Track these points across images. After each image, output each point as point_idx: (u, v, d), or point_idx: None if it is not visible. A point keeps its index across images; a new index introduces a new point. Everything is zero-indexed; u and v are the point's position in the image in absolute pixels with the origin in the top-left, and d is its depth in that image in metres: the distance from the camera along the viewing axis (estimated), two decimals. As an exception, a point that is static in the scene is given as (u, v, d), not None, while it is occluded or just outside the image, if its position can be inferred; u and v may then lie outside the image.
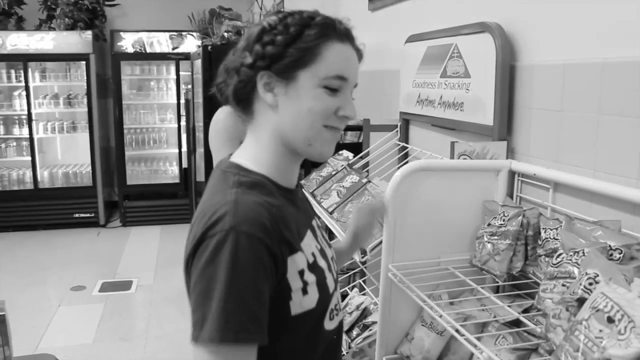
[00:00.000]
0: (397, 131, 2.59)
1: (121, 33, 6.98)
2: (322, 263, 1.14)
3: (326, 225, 2.04)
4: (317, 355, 1.15)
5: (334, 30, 1.10)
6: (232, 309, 0.94)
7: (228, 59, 1.23)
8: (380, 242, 1.73)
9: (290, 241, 1.06)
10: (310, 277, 1.08)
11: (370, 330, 2.01)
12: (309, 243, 1.12)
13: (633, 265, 1.21)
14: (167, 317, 4.32)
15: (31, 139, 6.49)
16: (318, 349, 1.14)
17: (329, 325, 1.14)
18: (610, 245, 1.28)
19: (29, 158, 6.51)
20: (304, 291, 1.06)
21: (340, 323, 1.23)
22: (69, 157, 7.02)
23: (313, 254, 1.12)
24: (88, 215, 6.65)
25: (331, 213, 2.03)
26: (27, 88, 6.37)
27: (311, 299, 1.08)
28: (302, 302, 1.06)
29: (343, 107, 1.10)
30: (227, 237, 0.96)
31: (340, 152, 2.40)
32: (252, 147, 1.15)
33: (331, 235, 1.96)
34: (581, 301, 1.17)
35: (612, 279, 1.09)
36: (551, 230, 1.52)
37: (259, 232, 0.98)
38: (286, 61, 1.07)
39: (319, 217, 1.33)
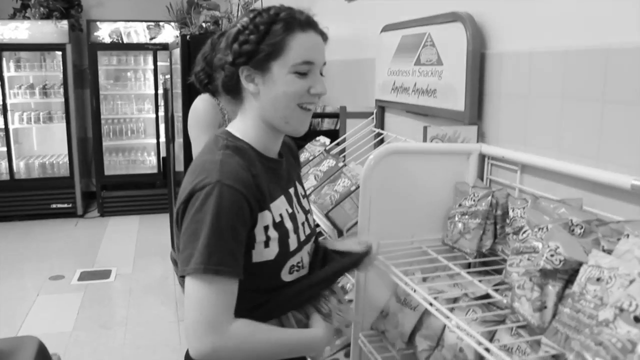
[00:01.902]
0: (373, 118, 2.66)
1: (97, 23, 6.94)
2: (288, 225, 1.34)
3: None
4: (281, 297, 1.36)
5: (296, 22, 1.28)
6: (215, 246, 1.16)
7: (205, 48, 1.44)
8: (356, 223, 1.80)
9: (261, 200, 1.26)
10: (273, 234, 1.29)
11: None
12: (279, 205, 1.33)
13: (591, 239, 1.29)
14: (146, 304, 4.35)
15: (6, 130, 6.42)
16: (277, 292, 1.35)
17: (287, 277, 1.36)
18: (572, 221, 1.36)
19: (5, 149, 6.45)
20: (266, 244, 1.28)
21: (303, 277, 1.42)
22: (45, 147, 6.97)
23: (281, 215, 1.33)
24: (66, 205, 6.62)
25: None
26: (1, 78, 6.30)
27: (271, 252, 1.29)
28: (262, 253, 1.28)
29: (314, 86, 1.30)
30: (213, 189, 1.19)
31: (317, 139, 2.46)
32: (241, 123, 1.37)
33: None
34: (544, 272, 1.25)
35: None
36: (519, 209, 1.60)
37: (240, 187, 1.21)
38: (260, 56, 1.27)
39: (303, 189, 1.53)
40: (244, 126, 1.35)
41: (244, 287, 1.23)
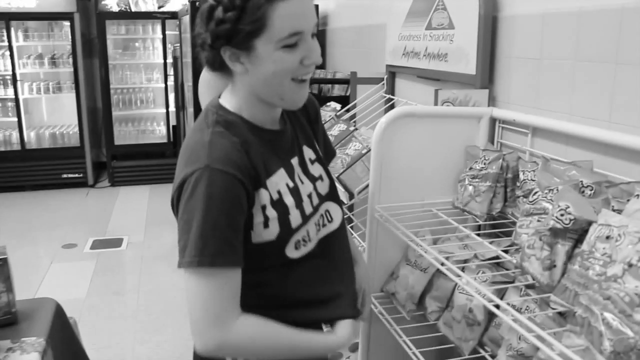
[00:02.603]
0: (383, 84, 2.66)
1: (105, -8, 6.90)
2: (288, 200, 1.22)
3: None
4: (295, 274, 1.27)
5: None
6: (208, 236, 1.09)
7: None
8: (367, 186, 1.81)
9: (256, 178, 1.17)
10: (271, 213, 1.19)
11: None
12: (276, 181, 1.22)
13: (601, 199, 1.30)
14: (158, 272, 4.41)
15: (17, 100, 6.43)
16: (285, 270, 1.25)
17: (294, 254, 1.25)
18: (582, 183, 1.37)
19: (15, 119, 6.47)
20: (265, 225, 1.19)
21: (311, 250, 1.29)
22: (55, 118, 6.99)
23: (279, 192, 1.21)
24: (76, 175, 6.65)
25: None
26: (10, 48, 6.30)
27: (271, 232, 1.20)
28: (261, 234, 1.19)
29: (307, 56, 1.16)
30: (203, 175, 1.10)
31: (328, 104, 2.46)
32: (233, 96, 1.25)
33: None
34: (554, 231, 1.26)
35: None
36: (529, 172, 1.61)
37: (232, 169, 1.12)
38: (241, 36, 1.12)
39: (314, 152, 1.39)
40: (236, 99, 1.24)
41: (246, 268, 1.16)
